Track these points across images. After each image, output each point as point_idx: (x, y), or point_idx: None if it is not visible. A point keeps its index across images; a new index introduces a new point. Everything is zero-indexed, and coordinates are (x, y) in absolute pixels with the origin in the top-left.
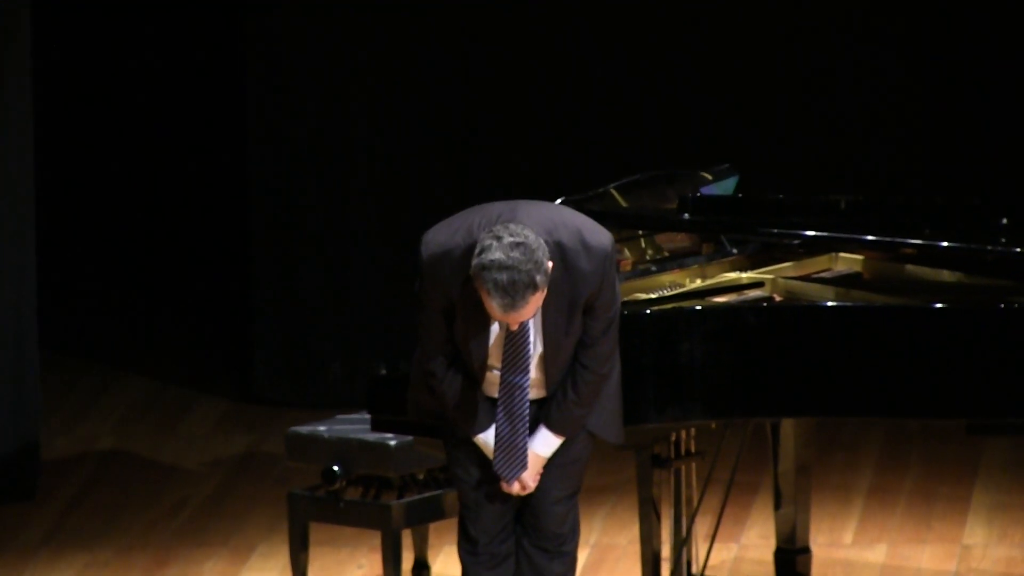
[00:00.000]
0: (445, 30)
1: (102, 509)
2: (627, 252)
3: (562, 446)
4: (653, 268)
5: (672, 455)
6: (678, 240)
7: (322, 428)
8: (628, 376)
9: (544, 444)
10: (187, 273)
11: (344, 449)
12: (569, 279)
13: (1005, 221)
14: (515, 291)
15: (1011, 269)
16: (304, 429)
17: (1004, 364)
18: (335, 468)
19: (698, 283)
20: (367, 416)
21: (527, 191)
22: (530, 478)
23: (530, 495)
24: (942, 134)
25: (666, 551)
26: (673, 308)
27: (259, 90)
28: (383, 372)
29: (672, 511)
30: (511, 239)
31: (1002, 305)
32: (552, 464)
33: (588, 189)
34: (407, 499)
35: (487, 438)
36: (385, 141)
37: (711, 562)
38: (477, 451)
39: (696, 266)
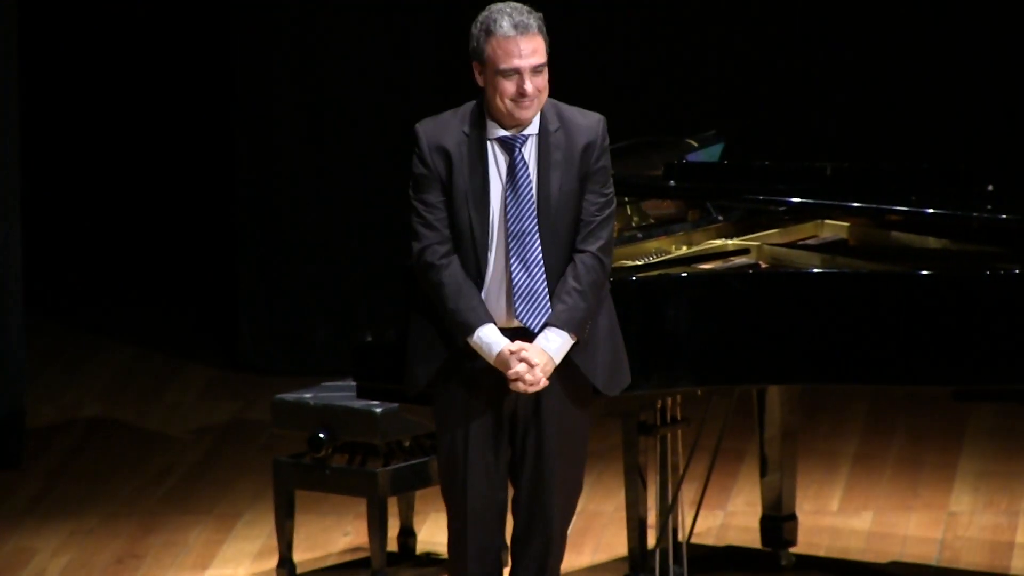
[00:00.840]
0: (432, 19)
1: (87, 477)
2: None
3: (560, 417)
4: (639, 235)
5: (658, 422)
6: (664, 207)
7: (308, 395)
8: None
9: (551, 340)
10: (172, 241)
11: (330, 416)
12: (565, 130)
13: (991, 187)
14: (523, 13)
15: (997, 235)
16: (290, 396)
17: (990, 330)
18: (321, 435)
19: (684, 250)
20: (353, 383)
21: None
22: (543, 374)
23: (533, 488)
24: (927, 100)
25: (652, 518)
26: (659, 275)
27: (243, 60)
28: (368, 339)
29: (658, 478)
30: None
31: (988, 272)
32: (554, 425)
33: None
34: (393, 466)
35: (487, 334)
36: (370, 110)
37: (697, 529)
38: (477, 464)
39: (682, 233)
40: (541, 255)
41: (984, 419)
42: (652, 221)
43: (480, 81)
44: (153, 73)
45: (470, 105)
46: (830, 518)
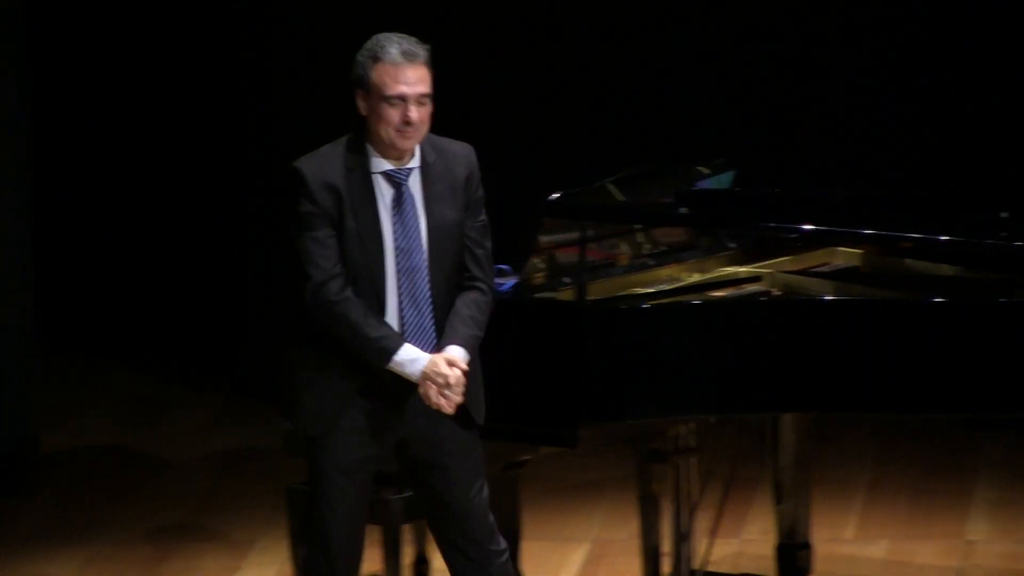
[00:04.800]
0: (436, 24)
1: (100, 503)
2: (625, 246)
3: (460, 424)
4: (651, 262)
5: (671, 450)
6: (675, 234)
7: None
8: (627, 370)
9: (457, 350)
10: (182, 268)
11: None
12: (443, 162)
13: (1005, 215)
14: (412, 43)
15: (1011, 263)
16: None
17: (1004, 359)
18: None
19: (696, 277)
20: None
21: (522, 185)
22: (460, 387)
23: (449, 502)
24: (941, 128)
25: (666, 546)
26: (671, 302)
27: (250, 72)
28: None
29: (672, 506)
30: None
31: (1001, 299)
32: (456, 453)
33: (584, 183)
34: (406, 494)
35: (408, 351)
36: None
37: (712, 557)
38: (352, 482)
39: (694, 260)
40: (430, 290)
41: (999, 447)
42: (664, 249)
43: (363, 110)
44: (161, 85)
45: (345, 139)
46: (846, 546)
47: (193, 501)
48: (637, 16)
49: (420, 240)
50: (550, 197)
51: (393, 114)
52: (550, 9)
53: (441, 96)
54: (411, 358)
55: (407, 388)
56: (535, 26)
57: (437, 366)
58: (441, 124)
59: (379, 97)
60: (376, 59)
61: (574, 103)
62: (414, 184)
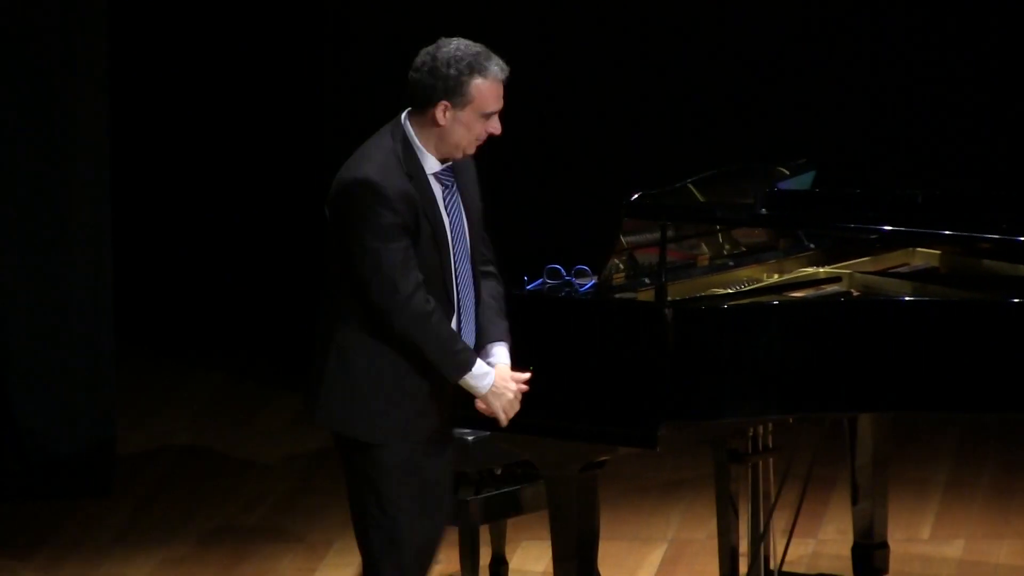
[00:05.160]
0: (511, 24)
1: (178, 505)
2: (704, 247)
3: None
4: (730, 263)
5: (749, 450)
6: (755, 235)
7: None
8: (706, 370)
9: (504, 353)
10: (264, 268)
11: None
12: (465, 162)
13: None
14: (499, 59)
15: None
16: None
17: None
18: None
19: (775, 278)
20: None
21: (603, 186)
22: (516, 400)
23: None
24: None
25: (744, 546)
26: (750, 303)
27: (336, 97)
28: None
29: (749, 506)
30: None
31: None
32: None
33: (665, 184)
34: (484, 494)
35: (478, 370)
36: None
37: (789, 557)
38: (413, 483)
39: (773, 261)
40: (473, 279)
41: None
42: (743, 249)
43: (443, 120)
44: (241, 91)
45: (388, 143)
46: (921, 546)
47: (271, 503)
48: (719, 17)
49: (465, 232)
50: (630, 198)
51: (482, 128)
52: (634, 9)
53: (529, 98)
54: (483, 372)
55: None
56: (618, 26)
57: (507, 383)
58: (525, 127)
59: (474, 110)
60: (477, 73)
61: (656, 104)
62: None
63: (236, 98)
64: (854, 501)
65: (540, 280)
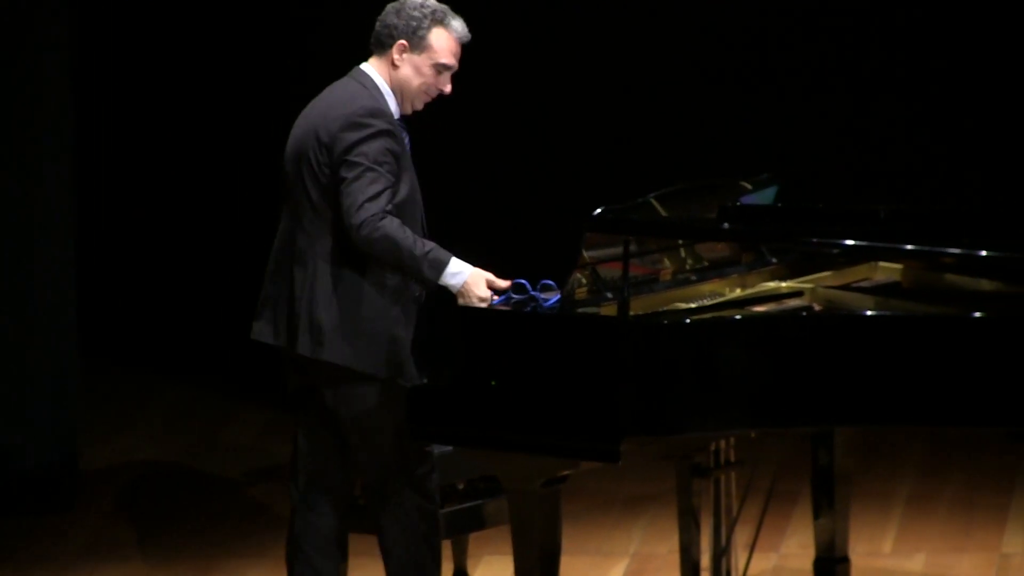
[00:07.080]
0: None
1: (142, 520)
2: (667, 261)
3: None
4: (693, 277)
5: (712, 464)
6: (718, 250)
7: None
8: (669, 385)
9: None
10: (228, 281)
11: None
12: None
13: None
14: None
15: None
16: None
17: None
18: None
19: (738, 292)
20: None
21: (565, 199)
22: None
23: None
24: (985, 142)
25: (706, 560)
26: (713, 317)
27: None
28: (423, 381)
29: (712, 520)
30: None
31: None
32: None
33: (628, 199)
34: (447, 509)
35: (453, 267)
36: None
37: (751, 571)
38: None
39: (736, 276)
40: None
41: None
42: (706, 264)
43: (398, 60)
44: (204, 99)
45: (363, 84)
46: (883, 560)
47: (236, 517)
48: (681, 32)
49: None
50: (593, 212)
51: (433, 79)
52: (597, 25)
53: (493, 113)
54: (457, 271)
55: None
56: (581, 43)
57: (479, 279)
58: (485, 133)
59: (429, 59)
60: (439, 23)
61: (618, 118)
62: None
63: (211, 108)
64: (816, 515)
65: (505, 296)
